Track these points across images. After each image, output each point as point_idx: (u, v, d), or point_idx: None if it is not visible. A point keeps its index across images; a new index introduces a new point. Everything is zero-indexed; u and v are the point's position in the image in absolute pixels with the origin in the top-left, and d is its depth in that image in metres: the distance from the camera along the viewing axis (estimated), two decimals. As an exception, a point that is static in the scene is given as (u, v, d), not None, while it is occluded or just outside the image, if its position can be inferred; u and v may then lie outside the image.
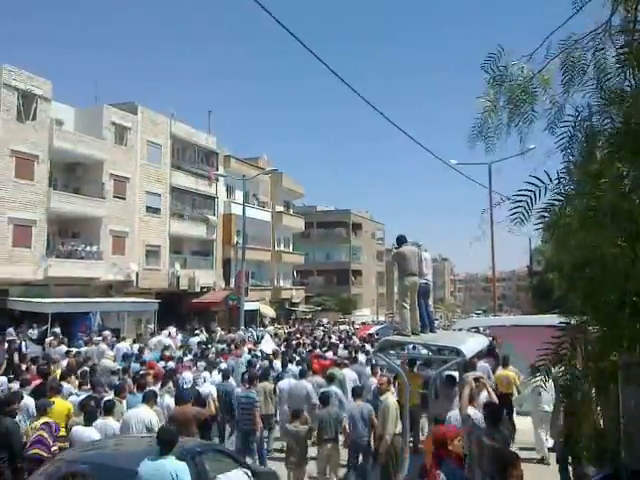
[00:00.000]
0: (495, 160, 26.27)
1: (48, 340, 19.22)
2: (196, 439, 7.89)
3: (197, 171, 37.92)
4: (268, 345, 18.88)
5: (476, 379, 10.14)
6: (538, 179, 2.87)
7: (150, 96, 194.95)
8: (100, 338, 18.97)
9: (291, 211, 53.68)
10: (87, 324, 25.57)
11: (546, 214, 2.90)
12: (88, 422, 7.42)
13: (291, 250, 52.71)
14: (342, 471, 10.05)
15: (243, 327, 28.30)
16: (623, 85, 2.96)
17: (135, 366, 13.27)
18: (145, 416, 7.83)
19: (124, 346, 17.50)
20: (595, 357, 3.12)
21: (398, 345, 10.75)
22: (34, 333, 22.02)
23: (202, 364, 13.22)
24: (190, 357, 15.65)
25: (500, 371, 11.86)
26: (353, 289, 65.84)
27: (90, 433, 7.24)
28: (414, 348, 12.20)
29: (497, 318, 22.26)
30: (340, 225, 66.79)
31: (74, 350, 16.16)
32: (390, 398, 8.97)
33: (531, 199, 2.89)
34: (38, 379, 10.04)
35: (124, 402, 8.85)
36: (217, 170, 38.27)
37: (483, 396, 9.38)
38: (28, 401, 8.45)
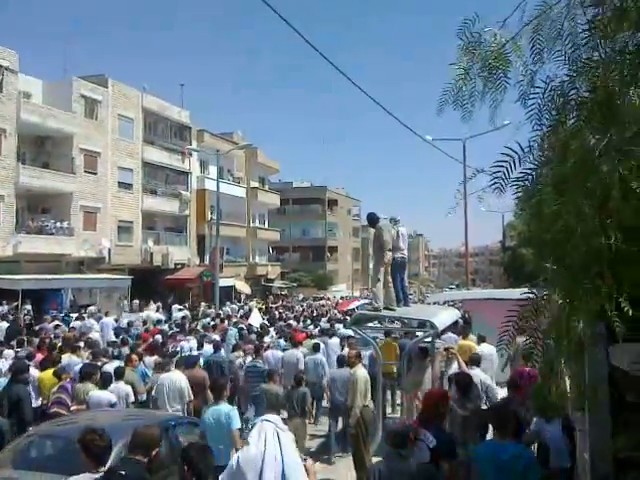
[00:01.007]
0: (469, 136, 26.55)
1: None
2: (174, 413, 8.06)
3: (170, 146, 37.31)
4: (256, 319, 19.52)
5: (446, 349, 10.36)
6: (512, 150, 2.90)
7: (121, 70, 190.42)
8: (75, 315, 19.79)
9: (266, 187, 53.32)
10: (58, 301, 25.30)
11: (520, 183, 2.93)
12: (103, 387, 7.93)
13: (266, 226, 52.51)
14: (317, 441, 10.35)
15: (228, 302, 29.23)
16: (592, 55, 2.98)
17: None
18: (177, 380, 8.59)
19: (109, 321, 18.29)
20: (559, 325, 3.18)
21: (373, 318, 10.90)
22: (2, 310, 21.66)
23: (190, 337, 13.92)
24: (175, 330, 16.19)
25: (461, 341, 12.05)
26: (329, 265, 66.11)
27: (108, 396, 7.77)
28: (392, 322, 12.39)
29: (469, 292, 22.60)
30: (316, 202, 66.69)
31: (65, 325, 16.90)
32: (359, 371, 9.11)
33: (507, 169, 2.91)
34: (41, 352, 10.68)
35: (135, 370, 9.53)
36: (190, 145, 37.70)
37: (454, 367, 9.60)
38: (33, 372, 9.06)
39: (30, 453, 5.89)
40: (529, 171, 2.92)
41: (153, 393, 8.71)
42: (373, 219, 9.70)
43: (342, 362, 10.08)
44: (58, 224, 28.53)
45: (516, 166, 2.93)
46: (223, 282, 32.35)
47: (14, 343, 12.19)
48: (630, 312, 2.70)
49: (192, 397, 8.67)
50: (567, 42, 3.12)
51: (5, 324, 16.69)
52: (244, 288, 41.89)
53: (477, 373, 8.22)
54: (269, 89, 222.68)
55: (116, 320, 19.55)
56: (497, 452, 4.50)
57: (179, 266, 37.34)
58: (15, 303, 22.69)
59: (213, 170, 36.54)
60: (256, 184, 49.50)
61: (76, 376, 8.60)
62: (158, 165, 36.25)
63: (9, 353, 10.98)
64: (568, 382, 5.36)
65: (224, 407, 6.59)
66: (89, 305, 25.42)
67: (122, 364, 9.54)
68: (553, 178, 2.76)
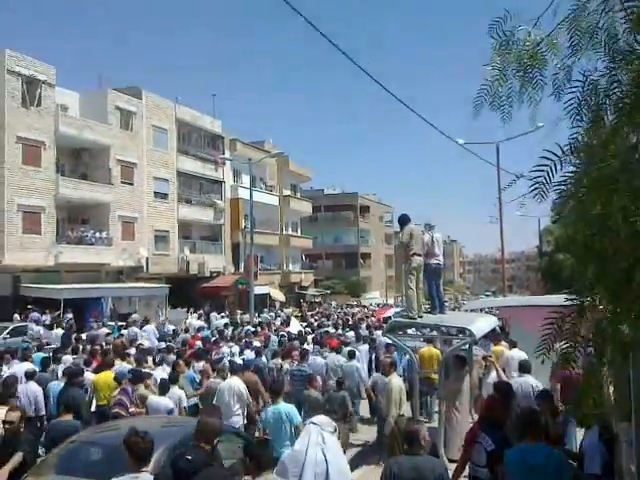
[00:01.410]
0: (502, 139, 26.14)
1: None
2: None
3: (203, 155, 37.84)
4: (295, 327, 20.41)
5: (484, 357, 10.17)
6: (552, 153, 2.79)
7: (153, 81, 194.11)
8: (113, 323, 20.91)
9: (298, 195, 53.52)
10: (99, 310, 25.79)
11: (562, 187, 2.82)
12: (162, 393, 8.35)
13: (299, 234, 52.66)
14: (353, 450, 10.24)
15: (266, 310, 30.75)
16: (632, 46, 2.87)
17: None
18: (236, 385, 8.92)
19: (151, 328, 19.06)
20: (603, 331, 3.08)
21: (409, 326, 10.76)
22: (46, 319, 22.23)
23: (230, 344, 14.50)
24: (216, 337, 16.67)
25: (493, 347, 11.93)
26: (362, 272, 65.81)
27: (166, 402, 8.16)
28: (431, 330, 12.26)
29: (506, 299, 22.16)
30: (348, 208, 66.57)
31: (118, 333, 18.22)
32: (394, 379, 8.99)
33: (548, 173, 2.81)
34: (94, 358, 11.26)
35: (184, 375, 9.99)
36: (223, 154, 38.12)
37: (493, 376, 9.41)
38: (89, 376, 9.82)
39: (72, 459, 5.97)
40: (570, 174, 2.81)
41: (215, 400, 8.96)
42: (404, 220, 9.53)
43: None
44: (97, 234, 29.18)
45: (557, 169, 2.82)
46: (258, 290, 32.56)
47: (69, 350, 12.68)
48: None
49: (251, 400, 9.09)
50: (605, 33, 3.01)
51: (60, 331, 17.43)
52: (279, 296, 42.05)
53: (529, 380, 8.19)
54: (298, 96, 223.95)
55: (158, 327, 20.36)
56: (528, 455, 4.55)
57: (214, 274, 37.72)
58: (57, 312, 23.21)
59: (246, 179, 36.86)
60: (288, 192, 49.73)
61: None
62: (192, 175, 36.78)
63: (67, 359, 11.48)
64: (611, 390, 5.22)
65: (283, 406, 7.25)
66: (129, 314, 25.91)
67: (166, 370, 10.16)
68: (595, 179, 2.65)
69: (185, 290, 33.18)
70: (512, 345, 11.28)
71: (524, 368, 8.51)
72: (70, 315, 23.37)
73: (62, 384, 9.07)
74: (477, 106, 3.49)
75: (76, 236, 28.31)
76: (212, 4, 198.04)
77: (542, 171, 2.81)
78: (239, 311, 30.43)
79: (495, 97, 3.32)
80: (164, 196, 34.39)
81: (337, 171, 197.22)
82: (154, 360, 11.44)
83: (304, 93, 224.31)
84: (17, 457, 5.76)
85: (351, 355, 12.06)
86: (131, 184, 31.70)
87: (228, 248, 40.31)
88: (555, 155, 2.81)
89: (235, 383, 8.99)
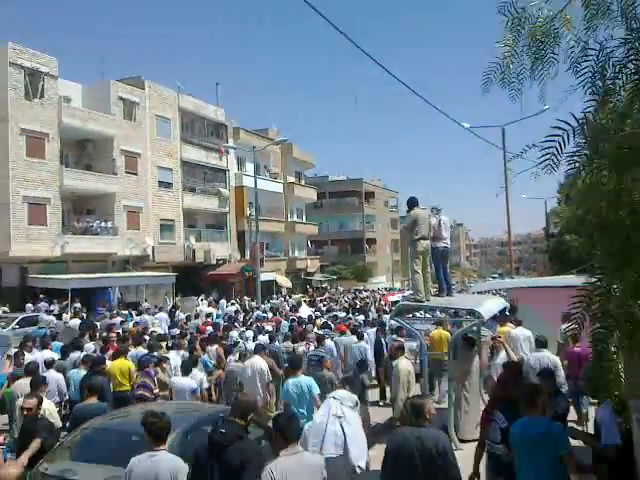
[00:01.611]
0: (508, 122, 25.95)
1: (108, 314, 20.58)
2: (224, 407, 8.19)
3: (207, 144, 37.73)
4: (305, 311, 21.66)
5: (493, 338, 10.17)
6: (566, 122, 2.72)
7: (155, 71, 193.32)
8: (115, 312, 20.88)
9: (303, 182, 53.39)
10: (106, 299, 25.94)
11: (575, 157, 2.75)
12: (185, 374, 8.98)
13: (304, 220, 52.61)
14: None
15: (275, 296, 32.16)
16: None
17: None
18: (259, 364, 9.43)
19: (163, 316, 19.76)
20: (623, 308, 3.04)
21: (416, 309, 10.78)
22: (54, 309, 22.40)
23: (242, 328, 15.27)
24: (226, 323, 17.02)
25: (499, 328, 11.98)
26: (368, 257, 65.81)
27: (189, 382, 8.76)
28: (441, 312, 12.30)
29: (514, 280, 22.13)
30: (352, 194, 66.39)
31: (132, 321, 18.42)
32: (402, 363, 9.01)
33: (560, 144, 2.74)
34: (111, 346, 11.39)
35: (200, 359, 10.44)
36: (227, 142, 38.02)
37: (502, 356, 9.42)
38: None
39: (86, 446, 6.02)
40: (584, 144, 2.74)
41: (239, 379, 9.57)
42: (411, 203, 9.52)
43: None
44: (103, 224, 29.24)
45: (569, 141, 2.75)
46: (264, 277, 32.64)
47: (87, 338, 12.97)
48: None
49: (271, 379, 9.54)
50: (620, 2, 2.93)
51: (77, 321, 17.76)
52: (285, 282, 42.13)
53: (547, 354, 8.49)
54: (302, 83, 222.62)
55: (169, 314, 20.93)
56: (528, 427, 4.77)
57: (221, 262, 37.80)
58: (65, 302, 23.36)
59: (250, 167, 36.77)
60: (293, 179, 49.62)
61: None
62: (196, 164, 36.72)
63: (90, 347, 11.81)
64: (622, 366, 5.19)
65: (303, 379, 7.78)
66: (136, 302, 26.04)
67: (180, 354, 10.65)
68: (612, 152, 2.58)
69: (191, 278, 33.29)
70: (517, 324, 11.51)
71: (541, 343, 8.75)
72: (78, 305, 23.51)
73: (82, 372, 9.28)
74: (486, 83, 3.43)
75: (81, 226, 28.40)
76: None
77: (554, 141, 2.74)
78: (246, 298, 30.55)
79: (505, 74, 3.26)
80: (168, 185, 34.37)
81: (342, 157, 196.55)
82: (167, 346, 11.67)
83: (306, 79, 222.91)
84: (35, 443, 5.83)
85: (359, 337, 12.43)
86: (135, 174, 31.68)
87: (234, 236, 40.35)
88: (569, 125, 2.74)
89: (258, 362, 9.49)
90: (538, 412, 4.88)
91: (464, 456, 8.00)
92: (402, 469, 4.56)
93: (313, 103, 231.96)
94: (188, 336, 13.54)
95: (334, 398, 5.20)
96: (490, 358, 10.04)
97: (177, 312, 21.64)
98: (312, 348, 11.45)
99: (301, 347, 11.73)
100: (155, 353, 10.32)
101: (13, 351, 11.23)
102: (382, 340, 13.02)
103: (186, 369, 9.07)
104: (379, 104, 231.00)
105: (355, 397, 5.37)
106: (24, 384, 7.77)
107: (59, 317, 20.30)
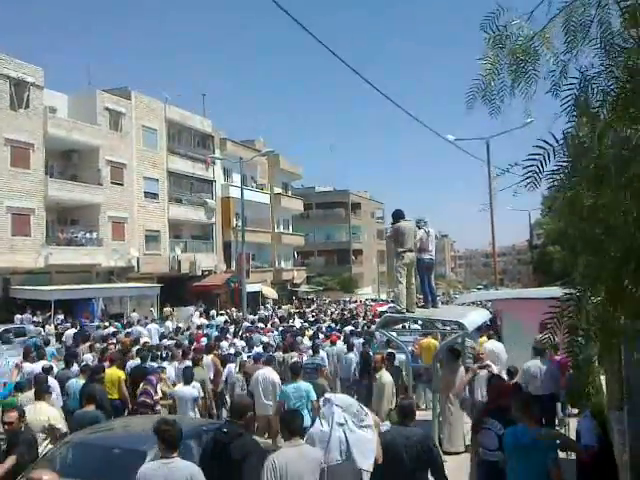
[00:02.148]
0: (493, 135, 26.22)
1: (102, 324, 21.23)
2: (208, 420, 8.58)
3: (194, 155, 37.67)
4: (297, 322, 22.71)
5: (477, 355, 10.28)
6: (546, 142, 2.80)
7: (142, 81, 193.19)
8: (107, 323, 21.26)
9: (289, 192, 53.45)
10: (90, 310, 25.69)
11: (555, 176, 2.84)
12: (186, 383, 9.14)
13: (291, 231, 52.63)
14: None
15: (263, 307, 32.48)
16: (628, 42, 2.88)
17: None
18: (270, 375, 9.65)
19: (154, 327, 19.98)
20: (598, 322, 3.10)
21: (401, 321, 10.83)
22: (38, 320, 22.14)
23: (235, 340, 15.44)
24: (217, 334, 17.16)
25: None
26: (354, 268, 65.89)
27: (191, 391, 9.02)
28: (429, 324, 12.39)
29: (498, 292, 22.26)
30: (339, 205, 66.58)
31: (125, 331, 18.84)
32: (384, 376, 9.05)
33: (541, 163, 2.82)
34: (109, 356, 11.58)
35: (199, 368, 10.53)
36: (213, 153, 37.97)
37: (484, 371, 9.49)
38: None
39: (66, 461, 5.94)
40: (565, 164, 2.82)
41: (249, 388, 9.87)
42: (397, 215, 9.59)
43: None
44: (87, 235, 29.02)
45: (550, 159, 2.84)
46: (250, 288, 32.54)
47: (85, 348, 13.28)
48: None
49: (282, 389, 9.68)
50: (600, 29, 3.02)
51: (73, 331, 18.17)
52: (271, 293, 42.01)
53: (539, 363, 8.72)
54: (288, 94, 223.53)
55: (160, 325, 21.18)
56: (520, 435, 4.94)
57: (206, 273, 37.63)
58: (48, 313, 23.09)
59: (237, 178, 36.78)
60: (279, 190, 49.67)
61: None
62: (183, 174, 36.64)
63: (88, 357, 12.10)
64: (603, 378, 5.27)
65: (303, 384, 8.33)
66: (120, 314, 25.83)
67: (174, 365, 10.84)
68: (590, 171, 2.66)
69: (177, 289, 33.08)
70: (489, 337, 12.01)
71: (539, 352, 8.87)
72: (61, 316, 23.27)
73: (81, 381, 9.42)
74: (470, 100, 3.50)
75: (66, 237, 28.15)
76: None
77: (535, 160, 2.83)
78: (234, 309, 30.41)
79: (487, 91, 3.33)
80: (154, 196, 34.22)
81: (328, 169, 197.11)
82: (160, 356, 11.94)
83: (294, 91, 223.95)
84: (9, 460, 5.76)
85: (350, 347, 12.78)
86: (121, 184, 31.51)
87: (219, 247, 40.21)
88: (549, 144, 2.82)
89: (268, 373, 9.71)
90: (532, 420, 5.05)
91: (448, 468, 8.02)
92: (391, 465, 4.97)
93: (300, 114, 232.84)
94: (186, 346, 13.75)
95: (337, 405, 5.35)
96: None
97: (166, 323, 21.81)
98: (305, 358, 11.78)
99: (295, 357, 11.82)
100: (154, 364, 10.66)
101: (21, 360, 11.58)
102: (369, 352, 13.05)
103: (186, 379, 9.23)
104: (367, 116, 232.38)
105: (356, 404, 5.49)
106: (30, 395, 7.94)
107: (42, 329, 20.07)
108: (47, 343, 14.21)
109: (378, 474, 4.99)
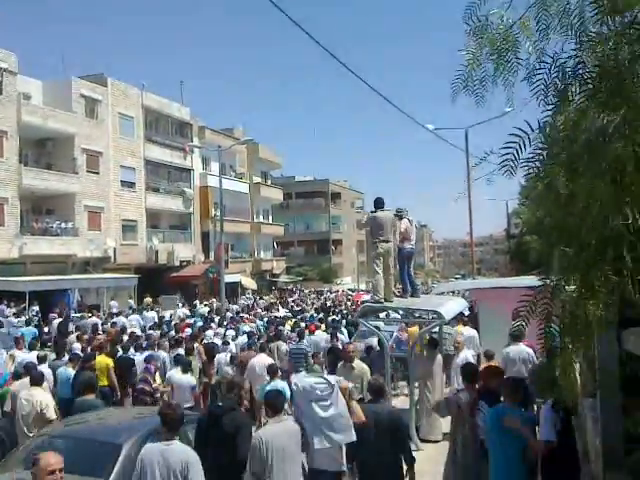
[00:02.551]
0: (471, 124, 26.41)
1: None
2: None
3: (171, 143, 37.21)
4: (281, 311, 23.46)
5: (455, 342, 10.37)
6: (522, 130, 2.82)
7: (119, 69, 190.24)
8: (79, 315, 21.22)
9: (269, 182, 53.21)
10: (65, 301, 25.31)
11: (531, 164, 2.86)
12: (184, 371, 9.38)
13: (270, 221, 52.45)
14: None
15: (244, 297, 33.04)
16: (600, 29, 2.90)
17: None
18: (265, 361, 9.84)
19: (136, 317, 20.33)
20: (572, 312, 3.13)
21: (380, 310, 10.87)
22: (10, 312, 21.70)
23: (219, 329, 15.59)
24: (201, 324, 17.59)
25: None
26: (334, 258, 66.03)
27: (189, 379, 9.33)
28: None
29: (475, 281, 22.52)
30: (319, 195, 66.55)
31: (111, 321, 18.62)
32: (362, 365, 9.07)
33: (517, 150, 2.85)
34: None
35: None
36: (192, 141, 37.58)
37: (462, 357, 9.59)
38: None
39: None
40: (540, 151, 2.84)
41: (245, 376, 9.90)
42: (376, 204, 9.64)
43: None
44: (63, 225, 28.53)
45: (526, 147, 2.86)
46: (229, 278, 32.35)
47: (73, 338, 13.59)
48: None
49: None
50: (574, 17, 3.04)
51: (58, 320, 18.34)
52: (250, 284, 41.88)
53: (524, 348, 8.82)
54: (270, 83, 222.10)
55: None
56: (502, 415, 5.23)
57: (184, 263, 37.33)
58: (22, 305, 22.71)
59: (215, 167, 36.43)
60: (259, 179, 49.38)
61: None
62: (160, 163, 36.19)
63: (77, 346, 12.32)
64: (577, 367, 5.34)
65: (279, 383, 8.42)
66: (97, 305, 25.53)
67: (161, 355, 11.21)
68: (564, 158, 2.68)
69: (154, 280, 32.75)
70: (464, 324, 12.65)
71: (516, 337, 8.82)
72: (36, 308, 22.87)
73: (70, 369, 9.65)
74: (454, 91, 3.50)
75: (40, 227, 27.66)
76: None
77: (511, 147, 2.85)
78: (214, 300, 30.23)
79: (469, 81, 3.34)
80: (131, 185, 33.76)
81: (309, 159, 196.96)
82: (141, 346, 12.12)
83: (275, 80, 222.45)
84: None
85: (333, 336, 13.34)
86: (97, 173, 31.02)
87: (198, 237, 39.90)
88: (524, 132, 2.83)
89: (264, 359, 9.99)
90: (517, 402, 5.41)
91: (426, 456, 8.12)
92: (360, 440, 5.25)
93: (281, 103, 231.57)
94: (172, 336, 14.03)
95: (307, 381, 5.51)
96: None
97: (146, 313, 21.75)
98: (292, 345, 12.31)
99: (283, 346, 12.21)
100: (152, 353, 11.01)
101: (15, 351, 11.81)
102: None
103: (184, 367, 9.44)
104: (348, 105, 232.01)
105: (315, 380, 5.54)
106: (25, 382, 8.15)
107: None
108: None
109: (353, 449, 5.33)
